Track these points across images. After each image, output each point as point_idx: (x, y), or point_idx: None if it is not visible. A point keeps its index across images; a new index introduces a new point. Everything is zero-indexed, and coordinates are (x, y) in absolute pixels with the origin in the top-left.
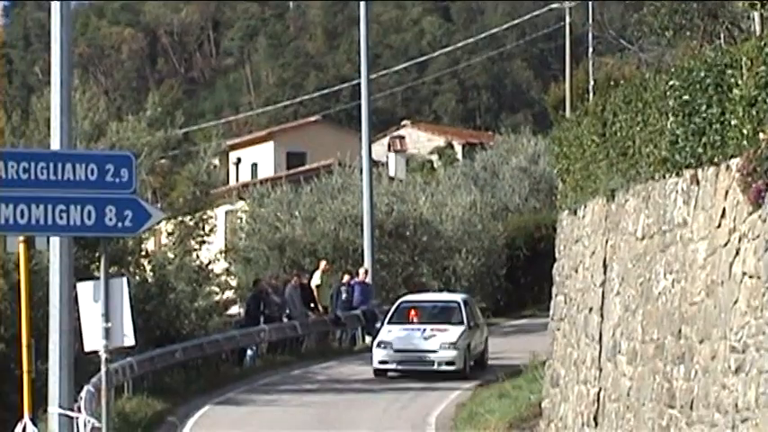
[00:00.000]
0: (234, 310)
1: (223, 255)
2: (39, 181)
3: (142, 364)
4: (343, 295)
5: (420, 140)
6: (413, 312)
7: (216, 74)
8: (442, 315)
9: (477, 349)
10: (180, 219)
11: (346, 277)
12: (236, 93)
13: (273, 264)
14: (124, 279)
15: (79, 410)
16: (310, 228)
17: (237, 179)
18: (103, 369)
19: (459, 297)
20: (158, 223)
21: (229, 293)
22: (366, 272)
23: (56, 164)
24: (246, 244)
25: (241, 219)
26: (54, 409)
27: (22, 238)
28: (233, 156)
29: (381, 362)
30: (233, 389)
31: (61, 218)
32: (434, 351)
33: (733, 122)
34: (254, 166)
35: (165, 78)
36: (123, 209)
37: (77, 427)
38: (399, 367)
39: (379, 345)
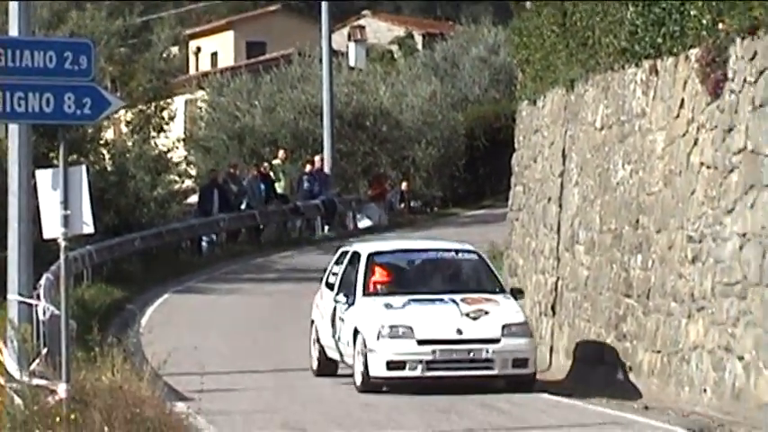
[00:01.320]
0: (193, 199)
1: (182, 143)
2: (8, 68)
3: (101, 252)
4: (305, 185)
5: (380, 30)
6: (400, 274)
7: None
8: (459, 277)
9: None
10: (139, 107)
11: (308, 167)
12: None
13: (233, 153)
14: (83, 167)
15: (38, 298)
16: (270, 117)
17: (197, 68)
18: (62, 257)
19: (467, 245)
20: (117, 112)
21: (189, 182)
22: (322, 159)
23: (14, 51)
24: (206, 133)
25: (201, 108)
26: (13, 297)
27: None
28: (192, 45)
29: (393, 364)
30: (193, 277)
31: (19, 105)
32: (495, 341)
33: (692, 13)
34: (214, 55)
35: None
36: (82, 96)
37: (36, 315)
38: (429, 374)
39: (381, 333)
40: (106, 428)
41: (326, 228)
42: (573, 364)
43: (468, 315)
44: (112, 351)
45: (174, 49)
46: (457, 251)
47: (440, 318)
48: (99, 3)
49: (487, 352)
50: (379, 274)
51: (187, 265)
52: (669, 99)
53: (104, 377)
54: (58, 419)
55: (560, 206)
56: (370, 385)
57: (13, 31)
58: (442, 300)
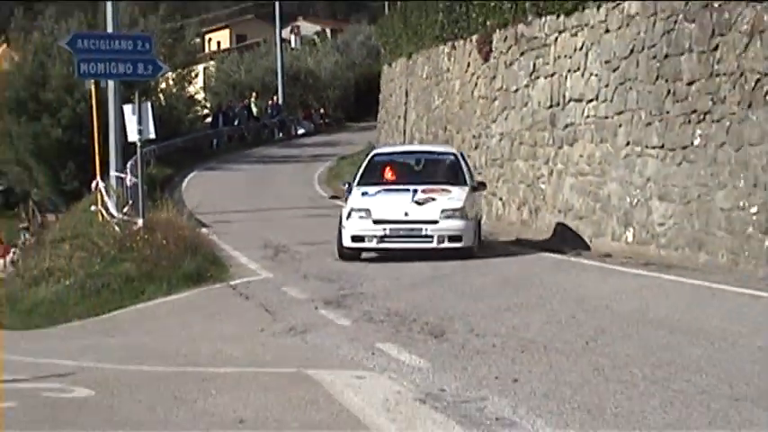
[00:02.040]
0: (208, 120)
1: (202, 90)
2: (102, 50)
3: (160, 148)
4: (269, 111)
5: (308, 27)
6: (390, 170)
7: None
8: (433, 172)
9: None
10: (178, 71)
11: (270, 102)
12: None
13: (229, 95)
14: (149, 103)
15: (126, 174)
16: (249, 75)
17: (209, 50)
18: (139, 151)
19: (451, 148)
20: (166, 73)
21: (206, 110)
22: (277, 98)
23: (110, 39)
24: (215, 84)
25: (212, 71)
26: (113, 173)
27: (92, 81)
28: (207, 37)
29: (355, 238)
30: (209, 162)
31: (114, 69)
32: (434, 222)
33: (473, 15)
34: (219, 43)
35: None
36: (147, 64)
37: (125, 183)
38: (382, 245)
39: (349, 214)
40: (164, 242)
41: (280, 134)
42: None
43: (416, 202)
44: (167, 201)
45: (197, 39)
46: (439, 153)
47: (394, 203)
48: (155, 4)
49: (426, 230)
50: (371, 169)
51: (206, 155)
52: (462, 62)
53: (162, 215)
54: (137, 238)
55: (405, 120)
56: (343, 253)
57: (109, 28)
58: (406, 189)
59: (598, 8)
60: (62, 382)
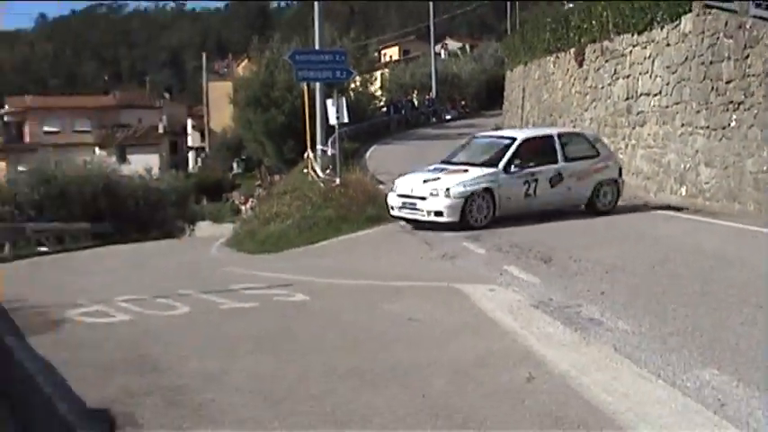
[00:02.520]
0: (383, 110)
1: (379, 88)
2: (312, 61)
3: (350, 130)
4: (426, 103)
5: (453, 44)
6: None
7: None
8: (484, 154)
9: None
10: (363, 75)
11: (427, 96)
12: None
13: (398, 92)
14: (343, 98)
15: (328, 147)
16: (411, 77)
17: (384, 61)
18: (337, 131)
19: (521, 133)
20: (354, 77)
21: (382, 103)
22: (432, 94)
23: (318, 54)
24: (388, 85)
25: (386, 76)
26: (319, 147)
27: (305, 83)
28: (383, 51)
29: (390, 206)
30: (385, 139)
31: (320, 74)
32: (422, 198)
33: (571, 35)
34: (390, 56)
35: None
36: (342, 70)
37: (326, 153)
38: (398, 214)
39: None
40: (354, 194)
41: (433, 119)
42: None
43: (424, 180)
44: (355, 166)
45: (376, 54)
46: (503, 137)
47: (412, 181)
48: (347, 28)
49: (417, 204)
50: (455, 151)
51: (382, 135)
52: (563, 67)
53: (353, 176)
54: (336, 192)
55: (522, 109)
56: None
57: (317, 46)
58: (434, 169)
59: (661, 28)
60: (287, 290)
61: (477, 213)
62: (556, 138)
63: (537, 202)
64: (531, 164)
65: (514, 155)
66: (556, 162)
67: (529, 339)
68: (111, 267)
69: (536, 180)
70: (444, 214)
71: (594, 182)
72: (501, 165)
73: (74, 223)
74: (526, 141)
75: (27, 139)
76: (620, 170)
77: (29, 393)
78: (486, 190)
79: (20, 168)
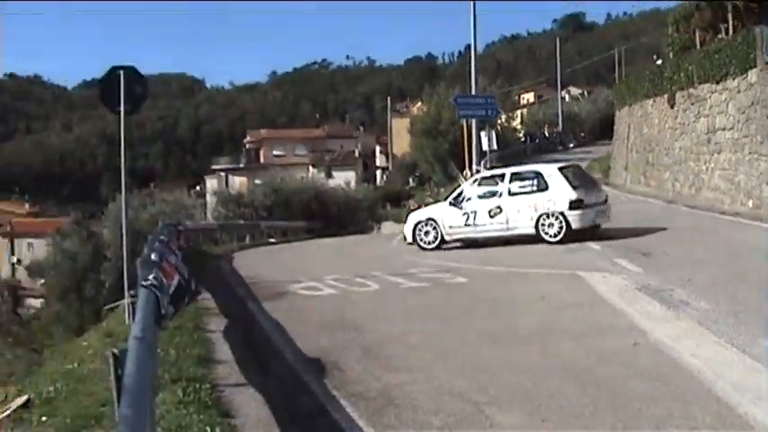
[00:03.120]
0: (522, 139)
1: (519, 123)
2: (470, 103)
3: (498, 154)
4: (554, 134)
5: (575, 90)
6: None
7: None
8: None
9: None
10: (507, 113)
11: (555, 129)
12: None
13: (533, 126)
14: (493, 131)
15: (480, 167)
16: (544, 115)
17: (522, 103)
18: (488, 155)
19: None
20: (500, 115)
21: (521, 135)
22: (558, 127)
23: (474, 98)
24: (526, 121)
25: (524, 114)
26: (474, 167)
27: (464, 120)
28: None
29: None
30: (523, 161)
31: (475, 112)
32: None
33: (664, 83)
34: (527, 99)
35: None
36: (492, 110)
37: (480, 171)
38: None
39: None
40: None
41: (560, 147)
42: None
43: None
44: None
45: (516, 97)
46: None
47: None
48: (493, 79)
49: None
50: None
51: (521, 158)
52: (658, 108)
53: None
54: None
55: (627, 140)
56: None
57: (473, 92)
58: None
59: (733, 79)
60: (450, 274)
61: (424, 237)
62: (508, 175)
63: (477, 230)
64: (476, 197)
65: (462, 191)
66: (499, 196)
67: (633, 315)
68: (321, 254)
69: (475, 212)
70: (406, 237)
71: (537, 215)
72: (449, 199)
73: (294, 222)
74: (477, 180)
75: (262, 160)
76: (574, 202)
77: (265, 344)
78: (430, 219)
79: (256, 182)
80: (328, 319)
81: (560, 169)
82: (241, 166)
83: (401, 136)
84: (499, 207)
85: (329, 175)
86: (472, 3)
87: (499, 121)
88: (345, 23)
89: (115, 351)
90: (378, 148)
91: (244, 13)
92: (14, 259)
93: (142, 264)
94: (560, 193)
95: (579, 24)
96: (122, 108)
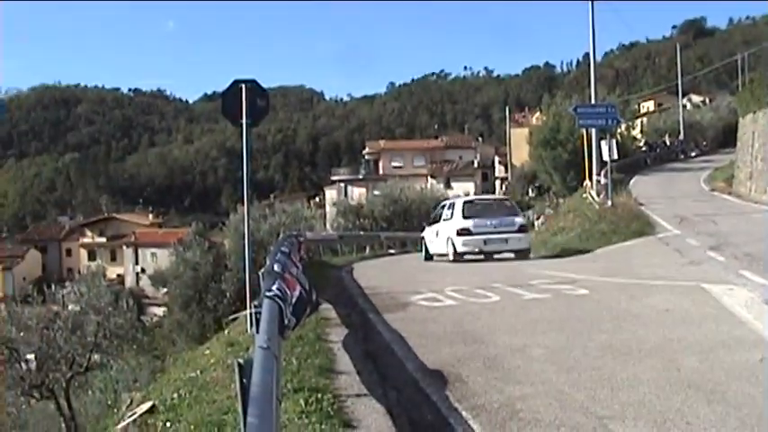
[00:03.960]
0: (643, 149)
1: (640, 132)
2: (589, 113)
3: (618, 164)
4: (675, 143)
5: (697, 98)
6: None
7: None
8: None
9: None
10: (627, 122)
11: (676, 137)
12: None
13: (654, 135)
14: (614, 140)
15: (601, 177)
16: (665, 124)
17: (642, 111)
18: (609, 165)
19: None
20: (620, 123)
21: (641, 143)
22: (679, 135)
23: (594, 107)
24: (645, 130)
25: (645, 122)
26: (594, 177)
27: (584, 128)
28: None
29: None
30: (643, 171)
31: (596, 122)
32: None
33: None
34: (647, 108)
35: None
36: (612, 119)
37: (601, 182)
38: None
39: None
40: (622, 213)
41: (681, 155)
42: None
43: None
44: (623, 191)
45: (636, 105)
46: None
47: None
48: (613, 87)
49: None
50: None
51: (641, 168)
52: None
53: (620, 199)
54: (608, 211)
55: (752, 147)
56: None
57: (593, 101)
58: None
59: None
60: (571, 285)
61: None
62: (448, 204)
63: (433, 248)
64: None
65: (435, 215)
66: (441, 221)
67: (760, 329)
68: (440, 266)
69: (437, 232)
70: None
71: (446, 237)
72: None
73: (413, 232)
74: (444, 206)
75: (381, 171)
76: (460, 230)
77: (386, 355)
78: (422, 238)
79: (375, 192)
80: (449, 331)
81: (465, 202)
82: (360, 177)
83: (520, 146)
84: (437, 231)
85: (448, 186)
86: (590, 9)
87: (619, 130)
88: (463, 34)
89: (240, 360)
90: (497, 159)
91: (361, 27)
92: (139, 268)
93: (266, 274)
94: (455, 222)
95: (700, 30)
96: (245, 121)
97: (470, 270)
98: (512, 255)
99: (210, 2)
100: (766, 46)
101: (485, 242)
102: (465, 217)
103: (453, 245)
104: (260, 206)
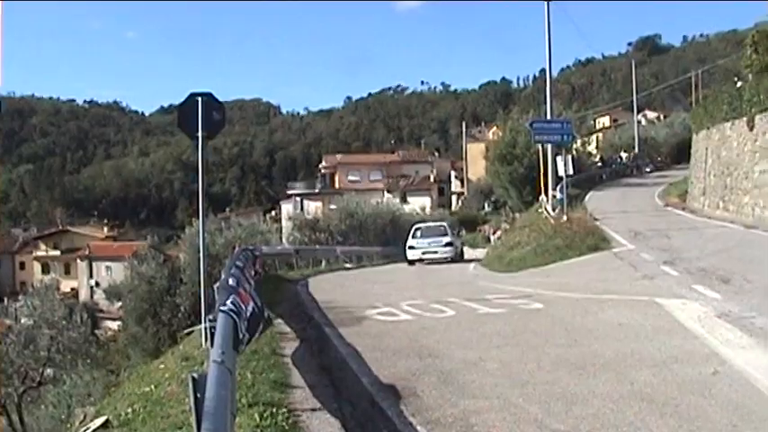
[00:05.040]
0: (598, 164)
1: (595, 148)
2: (545, 128)
3: (573, 179)
4: (629, 158)
5: (652, 114)
6: None
7: None
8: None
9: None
10: (583, 138)
11: (632, 153)
12: None
13: (608, 150)
14: (569, 155)
15: (556, 192)
16: (619, 140)
17: (597, 126)
18: (564, 180)
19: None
20: (576, 139)
21: (597, 159)
22: (634, 151)
23: (548, 123)
24: (602, 145)
25: (600, 138)
26: (550, 192)
27: (540, 144)
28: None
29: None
30: (598, 186)
31: (551, 137)
32: None
33: (744, 106)
34: (603, 123)
35: None
36: (567, 135)
37: (557, 197)
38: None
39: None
40: (577, 228)
41: (636, 171)
42: None
43: None
44: (577, 206)
45: (591, 121)
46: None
47: None
48: (569, 103)
49: None
50: None
51: (596, 183)
52: (737, 131)
53: (575, 214)
54: (563, 226)
55: (705, 163)
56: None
57: (548, 116)
58: None
59: None
60: (526, 300)
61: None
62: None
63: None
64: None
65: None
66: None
67: (713, 342)
68: (396, 280)
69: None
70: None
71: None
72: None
73: (369, 247)
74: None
75: (337, 185)
76: (408, 246)
77: (341, 369)
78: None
79: (331, 207)
80: (404, 345)
81: (415, 228)
82: (316, 191)
83: (476, 161)
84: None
85: (404, 201)
86: (546, 24)
87: (575, 146)
88: (419, 47)
89: (195, 375)
90: (453, 173)
91: (319, 41)
92: (93, 282)
93: (221, 289)
94: (407, 240)
95: (655, 47)
96: (200, 134)
97: (427, 284)
98: (447, 260)
99: (172, 11)
100: (719, 64)
101: (422, 254)
102: (412, 237)
103: (405, 255)
104: (215, 220)
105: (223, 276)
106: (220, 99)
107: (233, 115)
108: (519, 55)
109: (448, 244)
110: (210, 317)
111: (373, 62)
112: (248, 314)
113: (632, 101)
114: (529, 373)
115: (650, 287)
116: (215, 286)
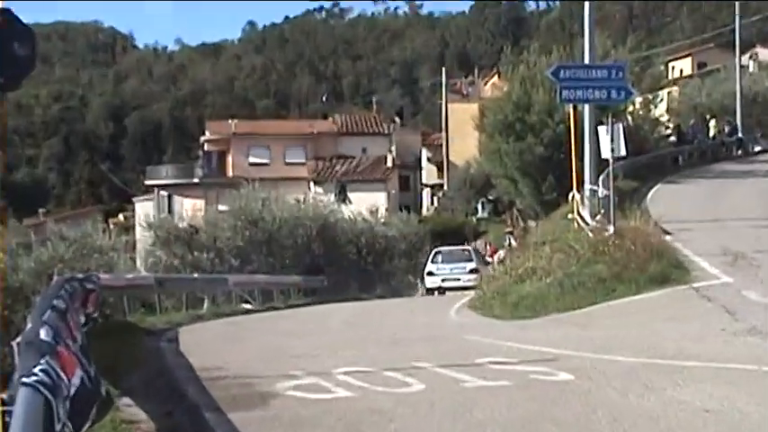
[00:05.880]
0: (672, 139)
1: (666, 112)
2: (581, 78)
3: (627, 164)
4: (726, 130)
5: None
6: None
7: None
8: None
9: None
10: (645, 95)
11: (728, 122)
12: None
13: (691, 116)
14: (620, 124)
15: (599, 186)
16: (709, 98)
17: (672, 76)
18: (611, 167)
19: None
20: (635, 97)
21: (669, 131)
22: (735, 119)
23: (589, 69)
24: (677, 107)
25: (675, 95)
26: (587, 186)
27: (571, 105)
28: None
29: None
30: (671, 176)
31: (591, 95)
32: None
33: None
34: (681, 70)
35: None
36: (621, 90)
37: (597, 195)
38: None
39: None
40: (632, 247)
41: (738, 152)
42: None
43: None
44: (634, 211)
45: (662, 67)
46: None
47: None
48: (624, 36)
49: None
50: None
51: (668, 171)
52: None
53: (630, 223)
54: (609, 243)
55: None
56: None
57: (586, 60)
58: None
59: None
60: (547, 367)
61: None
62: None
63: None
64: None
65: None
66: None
67: None
68: (328, 331)
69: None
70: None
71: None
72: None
73: (283, 276)
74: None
75: (229, 172)
76: (427, 273)
77: None
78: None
79: (220, 208)
80: None
81: (436, 252)
82: (195, 180)
83: (464, 133)
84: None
85: (343, 199)
86: None
87: (630, 109)
88: None
89: None
90: (425, 154)
91: None
92: None
93: (25, 346)
94: (426, 266)
95: None
96: None
97: (377, 338)
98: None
99: None
100: None
101: (442, 281)
102: (432, 262)
103: (423, 282)
104: (20, 228)
105: (30, 325)
106: (27, 21)
107: (52, 49)
108: None
109: (473, 270)
110: (5, 395)
111: None
112: (73, 390)
113: (733, 31)
114: None
115: (759, 348)
116: (15, 342)
